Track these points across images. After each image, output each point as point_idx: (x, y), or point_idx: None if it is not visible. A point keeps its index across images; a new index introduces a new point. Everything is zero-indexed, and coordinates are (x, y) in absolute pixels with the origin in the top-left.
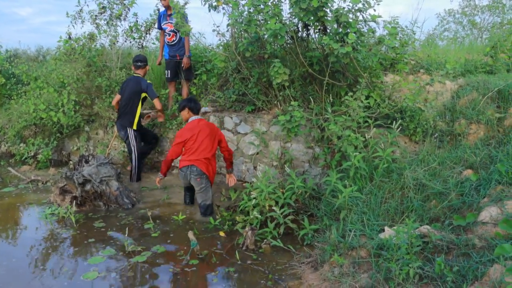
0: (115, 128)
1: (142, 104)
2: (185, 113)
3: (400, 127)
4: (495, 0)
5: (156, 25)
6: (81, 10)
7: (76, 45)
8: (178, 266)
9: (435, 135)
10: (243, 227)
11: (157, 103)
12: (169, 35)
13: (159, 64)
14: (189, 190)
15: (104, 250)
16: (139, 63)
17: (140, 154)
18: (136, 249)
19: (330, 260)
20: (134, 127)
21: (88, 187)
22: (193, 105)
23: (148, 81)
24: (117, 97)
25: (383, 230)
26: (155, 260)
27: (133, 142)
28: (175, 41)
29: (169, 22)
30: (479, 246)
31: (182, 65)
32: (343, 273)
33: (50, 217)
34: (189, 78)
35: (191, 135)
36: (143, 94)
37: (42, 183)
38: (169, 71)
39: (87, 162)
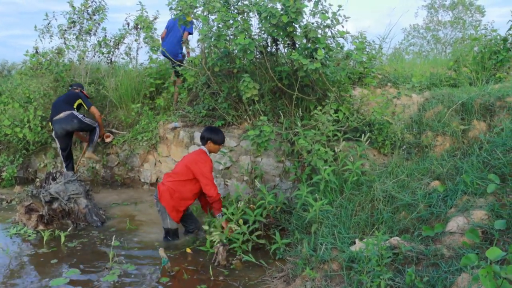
0: (84, 145)
1: (77, 110)
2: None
3: (369, 140)
4: (456, 16)
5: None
6: (49, 23)
7: (43, 60)
8: (149, 285)
9: (403, 147)
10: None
11: (94, 110)
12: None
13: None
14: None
15: (68, 271)
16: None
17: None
18: (105, 268)
19: (302, 274)
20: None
21: (55, 205)
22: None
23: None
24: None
25: (354, 243)
26: (125, 279)
27: (88, 119)
28: None
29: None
30: (447, 255)
31: None
32: (315, 287)
33: (14, 237)
34: None
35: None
36: (78, 101)
37: (7, 201)
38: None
39: (54, 179)
